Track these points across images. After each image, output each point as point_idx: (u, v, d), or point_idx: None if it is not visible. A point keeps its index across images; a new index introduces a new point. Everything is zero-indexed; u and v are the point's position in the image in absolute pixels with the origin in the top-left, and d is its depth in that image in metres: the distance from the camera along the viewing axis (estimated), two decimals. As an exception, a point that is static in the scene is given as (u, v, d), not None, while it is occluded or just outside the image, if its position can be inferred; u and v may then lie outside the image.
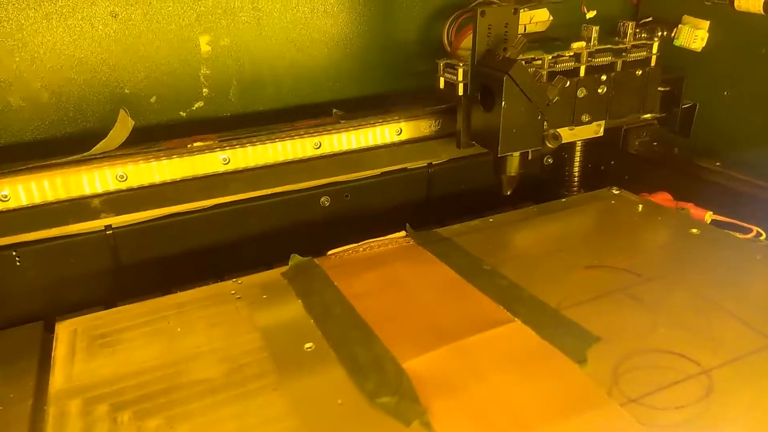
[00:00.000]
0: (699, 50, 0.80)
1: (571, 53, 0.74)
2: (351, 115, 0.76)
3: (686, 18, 0.81)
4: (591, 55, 0.75)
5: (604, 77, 0.76)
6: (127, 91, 0.71)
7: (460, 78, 0.72)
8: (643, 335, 0.49)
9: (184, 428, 0.42)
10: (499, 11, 0.68)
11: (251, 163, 0.71)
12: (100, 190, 0.65)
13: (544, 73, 0.71)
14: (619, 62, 0.77)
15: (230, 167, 0.70)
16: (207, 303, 0.56)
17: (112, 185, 0.66)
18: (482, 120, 0.70)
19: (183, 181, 0.68)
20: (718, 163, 0.81)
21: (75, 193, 0.64)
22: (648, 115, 0.88)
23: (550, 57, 0.72)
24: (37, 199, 0.63)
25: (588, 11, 0.79)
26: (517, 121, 0.67)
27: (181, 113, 0.75)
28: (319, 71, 0.81)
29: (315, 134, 0.74)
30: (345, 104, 0.80)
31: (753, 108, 0.80)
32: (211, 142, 0.69)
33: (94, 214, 0.64)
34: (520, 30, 0.74)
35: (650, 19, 0.86)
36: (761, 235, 0.63)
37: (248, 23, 0.74)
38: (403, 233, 0.67)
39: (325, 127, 0.74)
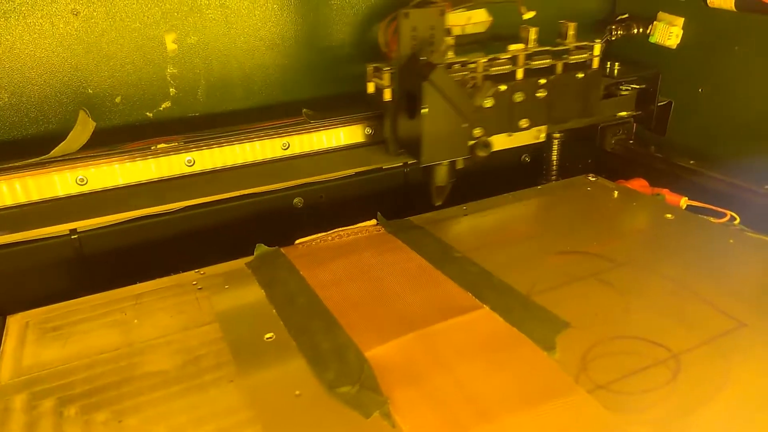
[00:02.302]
0: (674, 47, 0.80)
1: (508, 55, 0.70)
2: (321, 114, 0.75)
3: (661, 15, 0.81)
4: (529, 57, 0.70)
5: (542, 80, 0.71)
6: (90, 91, 0.69)
7: (387, 83, 0.68)
8: (612, 320, 0.48)
9: (133, 421, 0.40)
10: (423, 13, 0.65)
11: (217, 165, 0.69)
12: (60, 193, 0.63)
13: (479, 76, 0.68)
14: (560, 65, 0.72)
15: (195, 169, 0.68)
16: (167, 294, 0.54)
17: (73, 189, 0.64)
18: (408, 127, 0.67)
19: (147, 183, 0.67)
20: (692, 162, 0.80)
21: (35, 196, 0.62)
22: (624, 113, 0.88)
23: (485, 60, 0.68)
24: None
25: (525, 12, 0.71)
26: (442, 129, 0.64)
27: (147, 114, 0.73)
28: (290, 70, 0.79)
29: (284, 134, 0.72)
30: (318, 103, 0.79)
31: (727, 105, 0.79)
32: (176, 144, 0.67)
33: (55, 219, 0.62)
34: (458, 31, 0.70)
35: (626, 15, 0.86)
36: (735, 219, 0.62)
37: (215, 21, 0.73)
38: (373, 221, 0.65)
39: (295, 127, 0.73)
